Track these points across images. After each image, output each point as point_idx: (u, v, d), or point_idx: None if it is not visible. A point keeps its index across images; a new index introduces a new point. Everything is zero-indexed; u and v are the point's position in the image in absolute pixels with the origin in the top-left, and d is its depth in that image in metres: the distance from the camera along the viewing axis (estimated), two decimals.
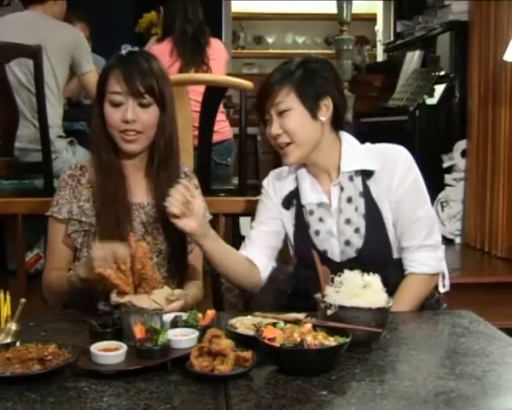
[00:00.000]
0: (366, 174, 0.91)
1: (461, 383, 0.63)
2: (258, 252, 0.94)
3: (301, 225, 0.94)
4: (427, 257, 0.91)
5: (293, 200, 0.94)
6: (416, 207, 0.91)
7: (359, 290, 0.74)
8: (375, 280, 0.76)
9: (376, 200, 0.91)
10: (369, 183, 0.91)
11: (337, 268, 0.78)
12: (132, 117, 0.89)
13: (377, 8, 3.38)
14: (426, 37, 2.40)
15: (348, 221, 0.90)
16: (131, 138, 0.90)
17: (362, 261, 0.85)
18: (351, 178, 0.91)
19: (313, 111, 0.89)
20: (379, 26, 3.36)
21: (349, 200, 0.91)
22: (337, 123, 0.93)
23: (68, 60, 1.56)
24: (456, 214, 2.09)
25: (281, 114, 0.89)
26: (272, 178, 0.98)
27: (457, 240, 2.08)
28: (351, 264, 0.82)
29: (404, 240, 0.92)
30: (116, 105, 0.89)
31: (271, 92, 0.89)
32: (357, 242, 0.90)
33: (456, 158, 2.11)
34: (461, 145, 2.10)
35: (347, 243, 0.91)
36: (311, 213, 0.93)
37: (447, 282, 0.94)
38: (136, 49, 0.93)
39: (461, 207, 2.09)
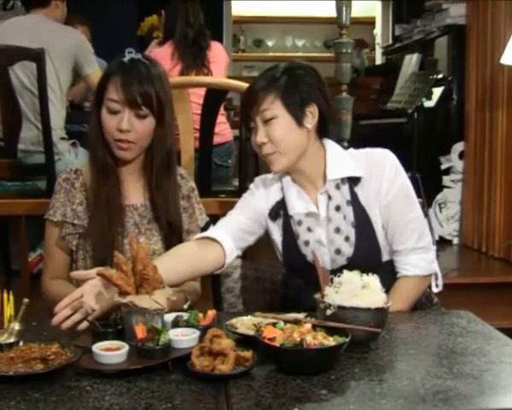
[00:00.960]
0: (353, 181, 0.90)
1: (458, 382, 0.64)
2: (229, 235, 0.91)
3: (289, 235, 0.93)
4: (419, 259, 0.91)
5: (279, 210, 0.93)
6: (406, 211, 0.91)
7: (358, 291, 0.75)
8: (373, 281, 0.76)
9: (365, 206, 0.90)
10: (357, 189, 0.90)
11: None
12: (127, 127, 0.89)
13: (376, 12, 3.39)
14: (424, 40, 2.42)
15: (338, 230, 0.90)
16: (124, 146, 0.91)
17: (352, 268, 0.84)
18: (337, 187, 0.90)
19: (299, 118, 0.88)
20: (378, 30, 3.37)
21: (337, 208, 0.90)
22: (322, 130, 0.92)
23: (71, 62, 1.58)
24: (454, 215, 2.10)
25: (266, 122, 0.87)
26: (260, 184, 0.97)
27: (455, 241, 2.09)
28: (341, 271, 0.81)
29: (395, 243, 0.92)
30: (113, 112, 0.90)
31: (256, 100, 0.87)
32: (348, 250, 0.90)
33: (453, 160, 2.12)
34: (458, 147, 2.12)
35: (338, 251, 0.90)
36: (300, 223, 0.92)
37: (440, 282, 0.94)
38: (139, 55, 0.93)
39: (459, 209, 2.11)
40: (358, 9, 3.28)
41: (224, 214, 0.98)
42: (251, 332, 0.73)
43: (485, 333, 0.80)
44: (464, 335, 0.79)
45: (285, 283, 0.97)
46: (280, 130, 0.88)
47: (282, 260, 0.96)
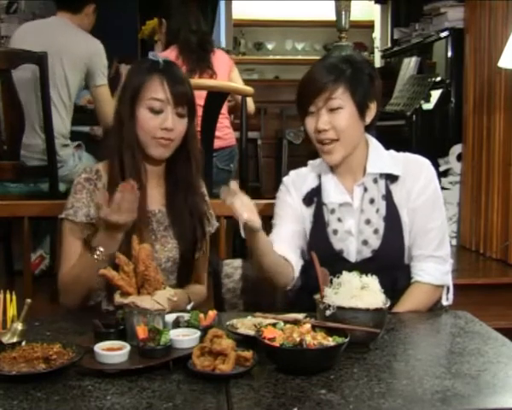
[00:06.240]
0: (390, 179, 0.93)
1: (456, 382, 0.64)
2: (290, 249, 0.93)
3: (319, 222, 0.95)
4: (434, 268, 0.93)
5: (313, 197, 0.95)
6: (430, 219, 0.93)
7: (357, 291, 0.76)
8: (372, 281, 0.77)
9: (397, 204, 0.93)
10: (392, 187, 0.93)
11: (351, 268, 0.80)
12: (172, 126, 0.90)
13: (375, 16, 3.42)
14: (422, 43, 2.42)
15: (368, 222, 0.92)
16: (165, 143, 0.91)
17: (376, 263, 0.86)
18: (375, 181, 0.93)
19: (362, 111, 0.92)
20: (376, 33, 3.39)
21: (371, 201, 0.93)
22: (370, 126, 0.95)
23: (83, 70, 1.55)
24: (452, 217, 2.11)
25: (332, 110, 0.90)
26: (293, 175, 0.99)
27: (453, 242, 2.09)
28: (365, 264, 0.83)
29: (414, 248, 0.94)
30: (155, 112, 0.90)
31: (324, 89, 0.89)
32: (375, 243, 0.92)
33: (451, 162, 2.13)
34: (456, 149, 2.12)
35: (365, 242, 0.92)
36: (333, 211, 0.94)
37: (451, 296, 0.96)
38: (168, 58, 0.94)
39: (457, 210, 2.11)
40: (357, 13, 3.31)
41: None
42: (251, 333, 0.74)
43: (483, 333, 0.81)
44: (462, 335, 0.80)
45: (306, 270, 0.96)
46: (345, 119, 0.90)
47: (305, 249, 0.96)
